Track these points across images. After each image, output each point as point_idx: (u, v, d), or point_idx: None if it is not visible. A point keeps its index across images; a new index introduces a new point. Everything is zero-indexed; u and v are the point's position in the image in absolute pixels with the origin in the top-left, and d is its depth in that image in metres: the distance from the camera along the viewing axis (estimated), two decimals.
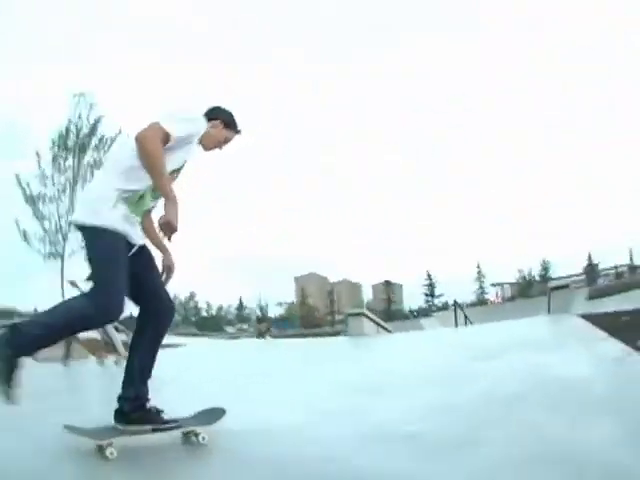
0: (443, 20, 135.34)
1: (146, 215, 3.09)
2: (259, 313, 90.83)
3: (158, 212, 2.95)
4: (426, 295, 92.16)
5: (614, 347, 5.59)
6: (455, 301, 18.32)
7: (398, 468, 2.63)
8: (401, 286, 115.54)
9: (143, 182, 2.82)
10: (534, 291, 79.36)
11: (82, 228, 2.80)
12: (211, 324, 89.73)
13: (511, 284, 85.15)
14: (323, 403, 4.49)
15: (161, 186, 2.75)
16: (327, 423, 3.70)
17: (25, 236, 20.59)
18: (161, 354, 3.16)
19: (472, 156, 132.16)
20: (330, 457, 2.83)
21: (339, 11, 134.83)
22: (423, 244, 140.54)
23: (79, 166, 22.26)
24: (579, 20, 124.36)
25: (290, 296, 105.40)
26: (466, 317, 16.74)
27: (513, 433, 3.09)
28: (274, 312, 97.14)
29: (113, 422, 2.90)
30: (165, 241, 3.01)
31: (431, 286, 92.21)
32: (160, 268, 3.16)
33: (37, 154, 21.35)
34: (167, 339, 3.31)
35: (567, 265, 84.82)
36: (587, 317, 8.84)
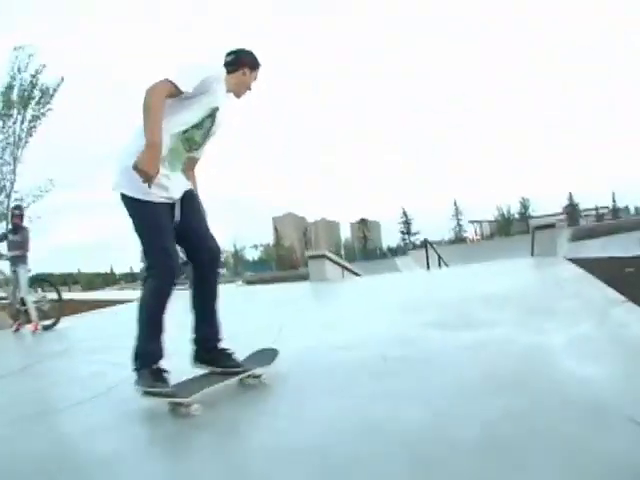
0: (444, 20, 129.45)
1: (189, 165, 3.25)
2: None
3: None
4: (402, 233, 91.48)
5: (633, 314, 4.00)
6: (426, 240, 16.23)
7: None
8: (379, 224, 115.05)
9: (171, 136, 2.93)
10: (513, 230, 79.32)
11: (121, 195, 2.91)
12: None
13: (490, 222, 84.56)
14: None
15: (147, 131, 2.72)
16: None
17: None
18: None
19: (457, 93, 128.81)
20: None
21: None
22: (402, 181, 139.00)
23: (22, 121, 20.78)
24: (579, 19, 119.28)
25: (268, 238, 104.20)
26: (440, 258, 15.22)
27: None
28: (252, 255, 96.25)
29: (191, 363, 3.15)
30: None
31: (407, 223, 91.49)
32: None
33: None
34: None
35: (546, 204, 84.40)
36: (579, 262, 7.52)
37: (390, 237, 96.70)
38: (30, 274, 8.72)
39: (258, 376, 3.15)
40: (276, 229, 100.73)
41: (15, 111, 20.76)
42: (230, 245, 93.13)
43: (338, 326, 5.24)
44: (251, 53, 3.34)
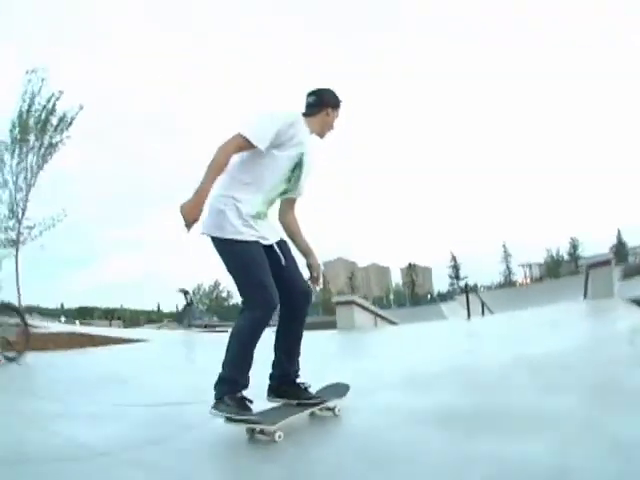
0: (445, 20, 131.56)
1: (288, 205, 3.35)
2: None
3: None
4: (450, 277, 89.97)
5: None
6: (466, 285, 14.87)
7: None
8: (430, 269, 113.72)
9: (262, 187, 3.05)
10: (563, 270, 77.04)
11: (211, 238, 3.00)
12: (233, 314, 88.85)
13: (539, 264, 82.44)
14: None
15: (202, 181, 2.85)
16: None
17: None
18: None
19: (498, 135, 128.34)
20: None
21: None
22: (452, 225, 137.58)
23: (40, 147, 20.98)
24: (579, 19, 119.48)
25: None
26: (483, 304, 13.86)
27: None
28: None
29: (266, 396, 3.18)
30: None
31: (455, 268, 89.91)
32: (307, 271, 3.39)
33: None
34: None
35: (595, 243, 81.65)
36: None
37: (441, 282, 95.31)
38: None
39: (332, 408, 3.22)
40: (324, 275, 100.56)
41: (33, 137, 20.85)
42: None
43: None
44: (332, 92, 3.33)
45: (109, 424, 3.47)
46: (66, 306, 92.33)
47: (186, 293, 21.02)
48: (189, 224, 2.82)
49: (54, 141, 21.32)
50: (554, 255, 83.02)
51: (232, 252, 2.97)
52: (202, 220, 2.96)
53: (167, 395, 4.37)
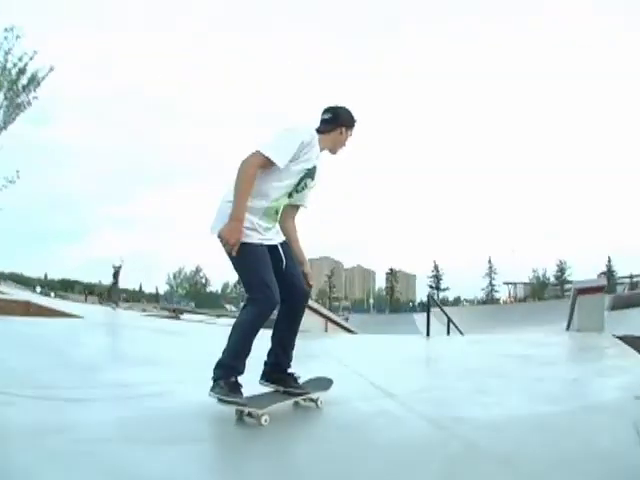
0: (445, 20, 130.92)
1: (290, 213, 3.51)
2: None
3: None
4: (431, 287, 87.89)
5: None
6: (429, 297, 12.60)
7: None
8: (415, 277, 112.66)
9: (269, 197, 3.22)
10: (547, 294, 75.83)
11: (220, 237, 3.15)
12: (210, 301, 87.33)
13: (524, 284, 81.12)
14: None
15: (236, 205, 3.05)
16: None
17: None
18: None
19: (492, 152, 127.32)
20: None
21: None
22: (440, 236, 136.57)
23: (9, 107, 19.81)
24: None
25: None
26: (449, 321, 11.82)
27: None
28: None
29: (259, 380, 3.42)
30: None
31: (437, 277, 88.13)
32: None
33: None
34: None
35: (583, 269, 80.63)
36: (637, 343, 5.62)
37: (424, 291, 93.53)
38: None
39: (315, 400, 3.43)
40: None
41: (1, 95, 19.69)
42: None
43: None
44: (348, 111, 3.44)
45: None
46: (49, 277, 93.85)
47: (117, 271, 19.28)
48: (232, 247, 3.05)
49: (21, 101, 20.26)
50: (540, 276, 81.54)
51: (240, 253, 3.11)
52: (213, 221, 3.20)
53: None
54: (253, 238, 3.16)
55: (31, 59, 19.91)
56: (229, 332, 3.19)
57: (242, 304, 3.38)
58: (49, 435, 2.62)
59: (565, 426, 2.89)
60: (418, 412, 3.33)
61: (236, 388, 3.09)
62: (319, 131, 3.32)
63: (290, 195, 3.32)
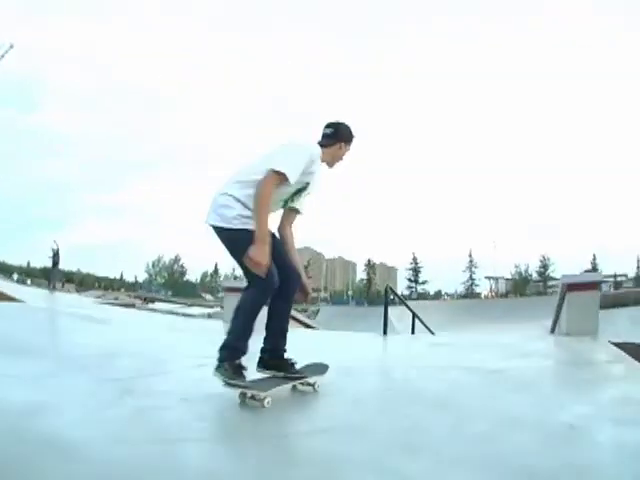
0: (445, 20, 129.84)
1: (287, 220, 3.66)
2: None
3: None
4: (409, 280, 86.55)
5: None
6: (387, 288, 9.98)
7: None
8: (396, 269, 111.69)
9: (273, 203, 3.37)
10: (529, 290, 74.95)
11: (221, 230, 3.31)
12: (187, 290, 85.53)
13: (506, 279, 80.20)
14: None
15: (259, 227, 3.17)
16: None
17: None
18: None
19: (477, 146, 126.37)
20: None
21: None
22: (422, 228, 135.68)
23: None
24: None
25: None
26: (414, 317, 10.23)
27: None
28: None
29: (256, 368, 3.45)
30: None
31: (415, 270, 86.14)
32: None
33: None
34: None
35: (567, 266, 79.89)
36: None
37: (405, 283, 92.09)
38: None
39: (312, 384, 3.54)
40: None
41: None
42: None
43: None
44: (348, 127, 3.63)
45: None
46: (32, 265, 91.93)
47: (55, 253, 18.25)
48: (263, 269, 3.14)
49: None
50: (522, 272, 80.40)
51: (239, 239, 3.21)
52: (213, 215, 3.32)
53: None
54: (248, 225, 3.24)
55: None
56: (232, 315, 3.34)
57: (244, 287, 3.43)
58: None
59: None
60: None
61: (240, 371, 3.19)
62: (320, 145, 3.48)
63: (285, 204, 3.53)
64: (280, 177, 3.18)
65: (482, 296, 75.17)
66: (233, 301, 8.27)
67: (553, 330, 8.14)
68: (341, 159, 3.62)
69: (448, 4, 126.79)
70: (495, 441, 2.46)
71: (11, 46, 20.07)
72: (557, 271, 76.69)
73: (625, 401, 3.15)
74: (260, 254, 3.09)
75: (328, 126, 3.58)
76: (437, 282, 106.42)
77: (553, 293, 69.37)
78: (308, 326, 11.24)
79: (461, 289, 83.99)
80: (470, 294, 79.40)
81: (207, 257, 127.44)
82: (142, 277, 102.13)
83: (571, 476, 2.05)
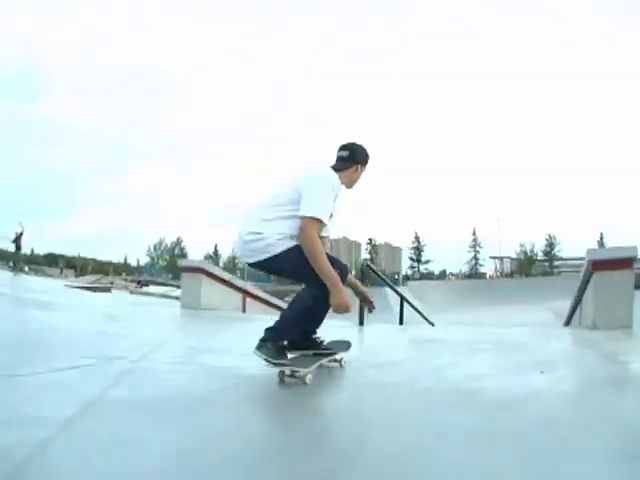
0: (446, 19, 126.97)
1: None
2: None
3: None
4: (412, 259, 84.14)
5: None
6: (364, 265, 8.48)
7: None
8: (400, 249, 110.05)
9: (293, 235, 3.35)
10: (535, 269, 73.35)
11: (262, 262, 3.36)
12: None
13: (511, 259, 78.60)
14: None
15: (326, 277, 3.20)
16: None
17: None
18: None
19: (481, 123, 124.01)
20: None
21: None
22: (425, 208, 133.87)
23: None
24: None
25: None
26: (402, 306, 8.12)
27: None
28: None
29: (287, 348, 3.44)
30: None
31: (418, 249, 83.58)
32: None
33: None
34: None
35: (572, 246, 77.95)
36: None
37: (408, 263, 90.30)
38: None
39: (339, 360, 3.66)
40: None
41: None
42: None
43: None
44: (364, 149, 3.59)
45: None
46: (35, 252, 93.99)
47: (17, 237, 17.20)
48: (350, 309, 3.23)
49: None
50: (528, 251, 78.47)
51: (294, 256, 3.23)
52: (246, 252, 3.40)
53: None
54: (287, 243, 3.29)
55: None
56: (289, 303, 3.50)
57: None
58: None
59: None
60: None
61: (283, 352, 3.31)
62: (336, 169, 3.45)
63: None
64: (318, 224, 3.22)
65: (487, 276, 73.71)
66: (190, 281, 7.02)
67: (569, 322, 6.72)
68: (358, 181, 3.60)
69: (449, 4, 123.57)
70: None
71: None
72: (563, 251, 75.18)
73: None
74: (341, 300, 3.18)
75: (343, 148, 3.55)
76: (441, 262, 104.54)
77: (560, 273, 67.95)
78: (280, 309, 9.85)
79: (465, 269, 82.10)
80: (475, 274, 77.76)
81: (209, 240, 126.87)
82: (145, 261, 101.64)
83: None
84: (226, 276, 7.96)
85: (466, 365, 3.74)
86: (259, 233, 3.29)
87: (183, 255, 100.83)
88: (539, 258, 77.40)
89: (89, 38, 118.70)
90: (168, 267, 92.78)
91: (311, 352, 3.48)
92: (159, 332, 5.39)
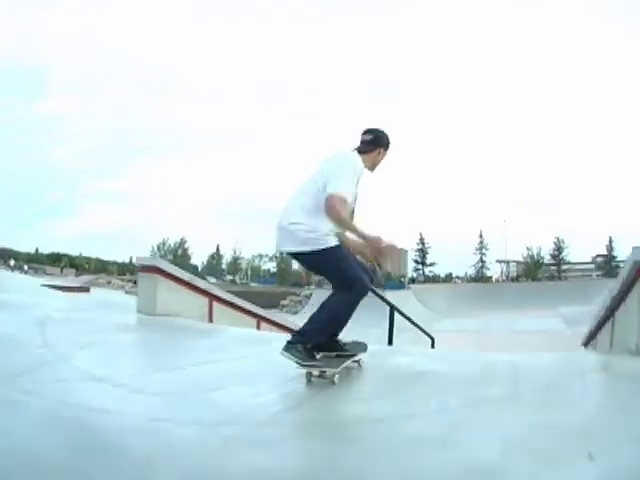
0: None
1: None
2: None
3: None
4: (416, 262, 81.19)
5: None
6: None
7: None
8: (406, 251, 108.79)
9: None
10: (542, 273, 71.81)
11: (304, 254, 3.53)
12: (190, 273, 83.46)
13: (517, 262, 77.08)
14: None
15: (356, 231, 3.48)
16: None
17: None
18: None
19: (487, 120, 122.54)
20: None
21: None
22: (430, 209, 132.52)
23: None
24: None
25: None
26: (392, 321, 7.26)
27: None
28: (269, 266, 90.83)
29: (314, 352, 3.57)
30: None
31: (422, 251, 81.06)
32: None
33: None
34: None
35: (579, 251, 76.15)
36: None
37: (412, 265, 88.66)
38: None
39: (357, 360, 3.79)
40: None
41: None
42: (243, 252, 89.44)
43: None
44: (386, 134, 3.79)
45: None
46: (40, 251, 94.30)
47: None
48: (381, 241, 3.43)
49: None
50: (535, 255, 76.68)
51: (331, 256, 3.44)
52: (285, 241, 3.56)
53: None
54: (334, 241, 3.49)
55: None
56: (318, 308, 3.53)
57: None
58: None
59: None
60: None
61: (312, 354, 3.44)
62: (360, 151, 3.67)
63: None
64: (345, 200, 3.42)
65: (493, 280, 72.28)
66: (145, 282, 5.94)
67: (589, 341, 5.55)
68: (379, 164, 3.80)
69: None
70: None
71: None
72: (571, 255, 73.50)
73: None
74: (377, 245, 3.41)
75: (367, 132, 3.75)
76: (447, 264, 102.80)
77: (567, 278, 66.42)
78: (283, 327, 8.63)
79: (472, 272, 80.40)
80: (481, 278, 76.14)
81: (215, 240, 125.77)
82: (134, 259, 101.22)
83: None
84: (186, 276, 6.82)
85: (464, 437, 2.44)
86: (299, 223, 3.45)
87: (187, 256, 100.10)
88: (546, 262, 75.83)
89: (91, 36, 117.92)
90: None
91: (334, 354, 3.61)
92: (61, 348, 4.27)
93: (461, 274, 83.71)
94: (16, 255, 73.21)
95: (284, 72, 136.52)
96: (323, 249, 3.42)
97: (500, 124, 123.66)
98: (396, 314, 7.39)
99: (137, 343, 5.39)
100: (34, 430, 2.43)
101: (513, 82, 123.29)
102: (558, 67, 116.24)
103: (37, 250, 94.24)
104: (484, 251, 78.28)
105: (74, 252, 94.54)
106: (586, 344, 5.88)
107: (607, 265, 70.44)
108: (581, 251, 72.70)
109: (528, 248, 75.58)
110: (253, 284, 74.39)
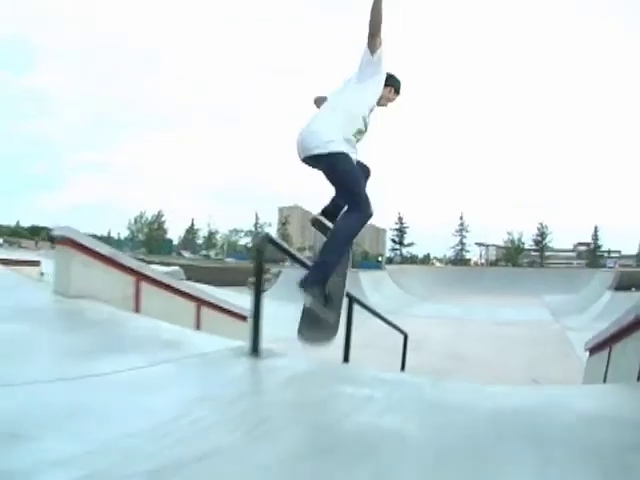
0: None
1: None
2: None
3: None
4: (394, 242, 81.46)
5: None
6: (260, 238, 4.26)
7: None
8: (385, 231, 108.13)
9: (356, 126, 3.71)
10: (522, 259, 71.30)
11: (320, 156, 3.56)
12: (164, 248, 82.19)
13: (498, 247, 76.62)
14: None
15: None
16: None
17: None
18: None
19: (473, 106, 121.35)
20: None
21: None
22: (410, 190, 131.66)
23: None
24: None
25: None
26: (352, 313, 5.04)
27: None
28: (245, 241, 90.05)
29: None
30: None
31: (400, 231, 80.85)
32: None
33: None
34: None
35: (562, 237, 75.80)
36: None
37: (390, 245, 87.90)
38: None
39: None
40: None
41: None
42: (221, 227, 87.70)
43: None
44: (399, 80, 4.09)
45: None
46: (21, 224, 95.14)
47: None
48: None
49: None
50: (515, 240, 76.03)
51: (348, 164, 3.55)
52: (304, 146, 3.58)
53: None
54: (353, 155, 3.62)
55: None
56: (328, 238, 3.57)
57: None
58: None
59: None
60: None
61: (326, 302, 3.50)
62: None
63: (360, 131, 3.74)
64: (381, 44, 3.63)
65: (472, 262, 71.72)
66: (60, 257, 4.35)
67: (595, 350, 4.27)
68: (386, 103, 4.01)
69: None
70: None
71: None
72: (554, 241, 73.14)
73: None
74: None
75: (389, 75, 3.93)
76: (426, 245, 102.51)
77: (550, 266, 65.53)
78: (229, 312, 7.25)
79: (451, 254, 79.68)
80: (459, 260, 75.49)
81: (192, 214, 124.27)
82: (125, 234, 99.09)
83: None
84: (106, 250, 5.37)
85: None
86: (317, 131, 3.58)
87: (163, 229, 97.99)
88: (527, 247, 75.35)
89: (81, 10, 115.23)
90: (146, 241, 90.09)
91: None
92: None
93: (439, 255, 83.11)
94: None
95: (276, 55, 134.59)
96: (340, 152, 3.51)
97: (485, 108, 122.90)
98: (362, 308, 5.95)
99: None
100: None
101: (497, 69, 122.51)
102: (545, 61, 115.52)
103: (18, 223, 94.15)
104: (465, 233, 77.51)
105: (55, 225, 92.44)
106: (591, 351, 4.64)
107: (591, 254, 70.17)
108: (563, 238, 72.31)
109: (509, 233, 75.13)
110: (228, 259, 73.39)
